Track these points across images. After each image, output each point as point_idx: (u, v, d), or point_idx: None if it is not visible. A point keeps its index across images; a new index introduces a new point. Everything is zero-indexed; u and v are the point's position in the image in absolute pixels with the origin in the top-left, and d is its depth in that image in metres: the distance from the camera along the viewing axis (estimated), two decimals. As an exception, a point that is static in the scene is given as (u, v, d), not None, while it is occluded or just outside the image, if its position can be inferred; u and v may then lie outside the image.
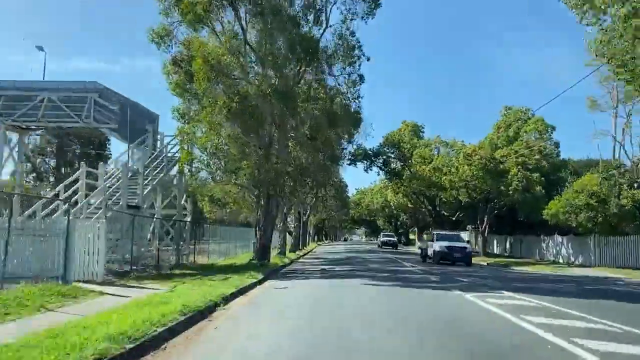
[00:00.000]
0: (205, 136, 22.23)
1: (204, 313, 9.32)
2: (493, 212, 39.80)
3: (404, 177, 50.85)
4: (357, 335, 7.58)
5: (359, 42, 24.44)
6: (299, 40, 21.55)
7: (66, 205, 15.75)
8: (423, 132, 48.67)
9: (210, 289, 12.27)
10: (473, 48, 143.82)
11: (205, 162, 23.03)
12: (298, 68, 23.44)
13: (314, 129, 23.91)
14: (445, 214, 52.00)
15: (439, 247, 28.93)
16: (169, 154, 24.50)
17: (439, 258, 28.82)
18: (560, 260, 33.68)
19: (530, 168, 36.71)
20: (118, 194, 20.89)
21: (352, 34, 24.20)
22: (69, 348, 5.62)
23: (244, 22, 22.17)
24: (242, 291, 13.54)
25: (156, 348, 6.59)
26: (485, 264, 32.50)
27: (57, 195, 21.24)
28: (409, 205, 58.78)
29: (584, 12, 15.17)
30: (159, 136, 26.30)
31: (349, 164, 49.11)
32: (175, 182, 25.54)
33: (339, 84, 26.06)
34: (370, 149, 48.55)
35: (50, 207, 19.50)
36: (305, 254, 41.08)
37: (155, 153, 24.46)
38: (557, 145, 44.38)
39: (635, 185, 31.10)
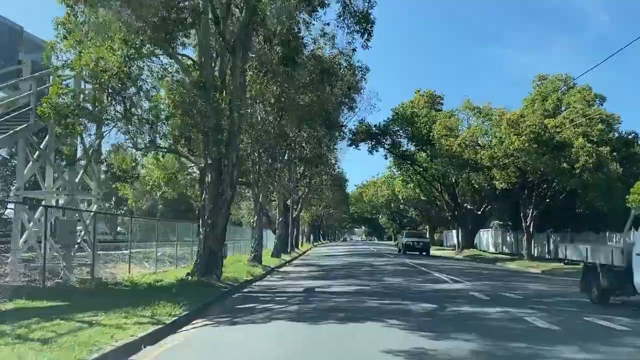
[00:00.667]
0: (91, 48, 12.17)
1: None
2: (544, 201, 29.89)
3: (417, 162, 41.05)
4: None
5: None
6: None
7: None
8: (442, 104, 38.82)
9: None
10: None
11: (92, 97, 13.01)
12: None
13: (288, 47, 13.91)
14: (469, 207, 42.15)
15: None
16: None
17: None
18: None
19: (596, 141, 26.99)
20: None
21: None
22: None
23: None
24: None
25: None
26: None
27: None
28: (422, 197, 48.94)
29: None
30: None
31: (350, 145, 39.45)
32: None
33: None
34: (375, 125, 38.84)
35: None
36: (293, 259, 31.19)
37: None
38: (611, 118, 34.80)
39: None
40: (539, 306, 10.65)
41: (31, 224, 14.07)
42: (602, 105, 34.78)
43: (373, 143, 39.37)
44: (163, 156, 16.96)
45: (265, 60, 15.33)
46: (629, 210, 21.97)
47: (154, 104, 12.91)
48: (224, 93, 13.83)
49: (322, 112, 23.32)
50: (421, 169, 42.33)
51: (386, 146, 40.35)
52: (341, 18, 15.11)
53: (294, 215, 42.62)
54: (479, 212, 41.65)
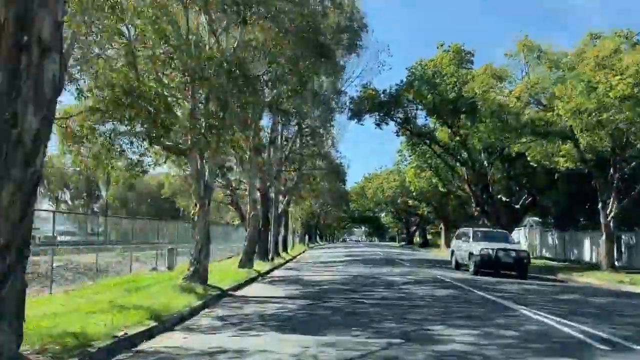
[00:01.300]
0: None
1: None
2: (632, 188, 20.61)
3: (438, 141, 31.82)
4: None
5: None
6: None
7: None
8: (472, 62, 29.45)
9: None
10: None
11: None
12: None
13: None
14: (504, 198, 32.83)
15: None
16: None
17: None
18: None
19: None
20: None
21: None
22: None
23: None
24: None
25: None
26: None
27: None
28: (440, 189, 39.59)
29: None
30: None
31: (350, 118, 30.32)
32: None
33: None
34: (384, 90, 29.57)
35: None
36: (273, 269, 21.77)
37: None
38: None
39: None
40: None
41: None
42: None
43: (381, 115, 30.12)
44: None
45: None
46: None
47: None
48: None
49: (309, 32, 14.14)
50: (442, 151, 33.09)
51: (398, 119, 31.06)
52: None
53: (280, 210, 33.29)
54: (517, 206, 32.39)
